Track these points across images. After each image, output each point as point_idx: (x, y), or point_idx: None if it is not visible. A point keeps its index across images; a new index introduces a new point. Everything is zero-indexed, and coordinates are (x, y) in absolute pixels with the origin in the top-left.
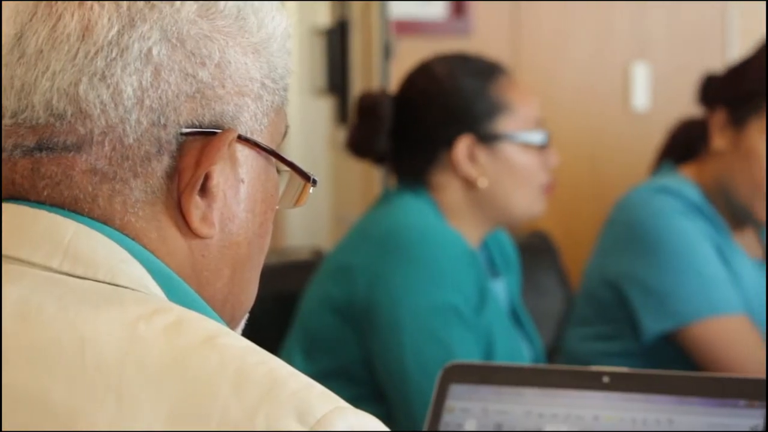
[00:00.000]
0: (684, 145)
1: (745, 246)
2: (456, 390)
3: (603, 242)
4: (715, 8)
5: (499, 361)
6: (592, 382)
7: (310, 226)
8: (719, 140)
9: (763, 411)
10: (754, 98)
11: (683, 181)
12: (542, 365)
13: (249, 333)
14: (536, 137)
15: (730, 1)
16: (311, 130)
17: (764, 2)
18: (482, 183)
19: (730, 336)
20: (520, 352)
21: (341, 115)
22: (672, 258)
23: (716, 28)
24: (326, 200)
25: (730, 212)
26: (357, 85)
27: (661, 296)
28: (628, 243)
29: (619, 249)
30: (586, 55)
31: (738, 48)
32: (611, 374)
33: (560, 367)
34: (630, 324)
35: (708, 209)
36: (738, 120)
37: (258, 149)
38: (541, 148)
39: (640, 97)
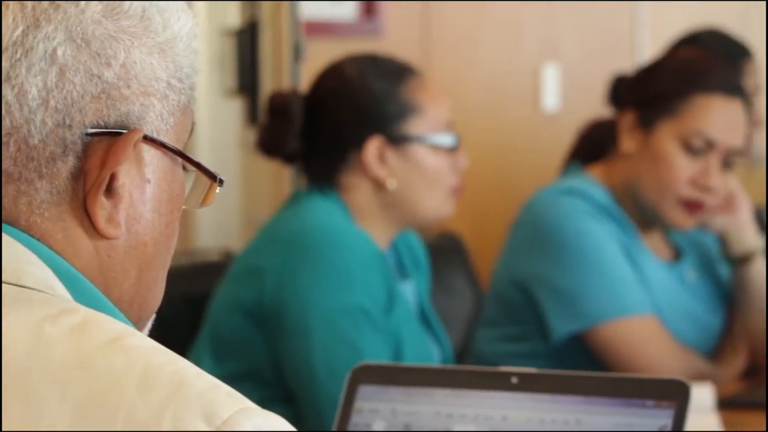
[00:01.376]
0: (592, 146)
1: (652, 247)
2: (365, 391)
3: (511, 244)
4: (625, 9)
5: (408, 362)
6: (500, 383)
7: (221, 227)
8: (628, 142)
9: (671, 411)
10: (663, 100)
11: (591, 182)
12: (451, 366)
13: (158, 334)
14: (446, 139)
15: (639, 2)
16: (221, 130)
17: (674, 2)
18: (391, 184)
19: (638, 336)
20: (429, 354)
21: (251, 115)
22: (579, 259)
23: (626, 29)
24: (236, 201)
25: (638, 214)
26: (267, 86)
27: (569, 298)
28: (535, 244)
29: (526, 250)
30: (496, 57)
31: (648, 49)
32: (520, 375)
33: (469, 367)
34: (538, 325)
35: (616, 210)
36: (647, 122)
37: (164, 149)
38: (451, 150)
39: (550, 98)
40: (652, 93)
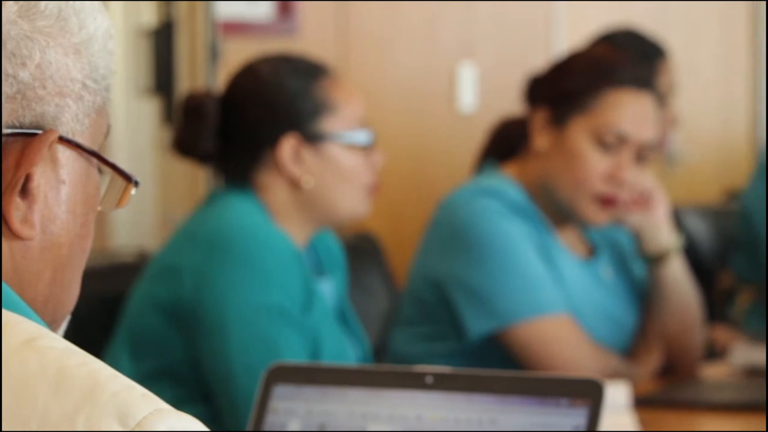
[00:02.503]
0: (505, 144)
1: (568, 245)
2: (280, 391)
3: (426, 243)
4: (541, 9)
5: (325, 362)
6: (415, 382)
7: (136, 227)
8: (541, 139)
9: (586, 410)
10: (575, 97)
11: (505, 180)
12: (366, 365)
13: (74, 335)
14: (361, 137)
15: (555, 2)
16: (137, 130)
17: (590, 2)
18: (307, 183)
19: (553, 335)
20: (347, 353)
21: (167, 115)
22: (494, 259)
23: (542, 28)
24: (152, 201)
25: (553, 211)
26: (183, 86)
27: (484, 297)
28: (450, 244)
29: (441, 250)
30: (412, 56)
31: (565, 48)
32: (434, 374)
33: (384, 367)
34: (454, 325)
35: (530, 209)
36: (559, 119)
37: (79, 150)
38: (366, 148)
39: (467, 97)
40: (563, 89)
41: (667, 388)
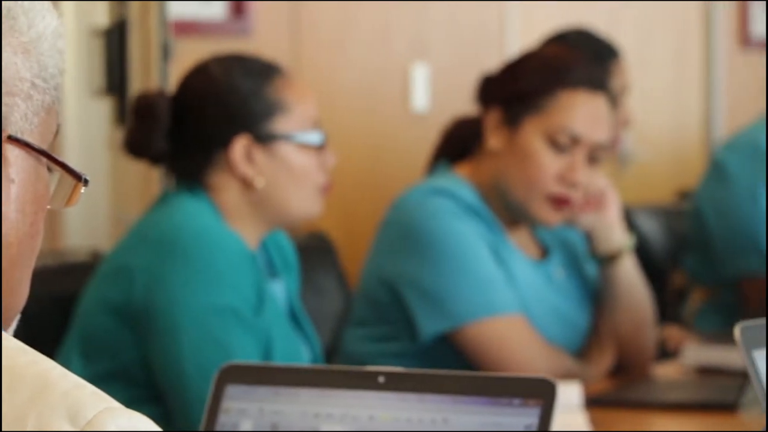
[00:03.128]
0: (458, 144)
1: (520, 245)
2: (232, 391)
3: (378, 243)
4: (494, 9)
5: (278, 362)
6: (367, 382)
7: (89, 227)
8: (494, 139)
9: (538, 410)
10: (528, 97)
11: (458, 181)
12: (319, 366)
13: (26, 335)
14: (313, 137)
15: (509, 2)
16: (89, 130)
17: (543, 2)
18: (259, 183)
19: (505, 336)
20: (299, 353)
21: (120, 115)
22: (446, 260)
23: (495, 28)
24: (104, 201)
25: (506, 211)
26: (136, 86)
27: (436, 298)
28: (403, 244)
29: (394, 250)
30: (365, 56)
31: (518, 48)
32: (387, 374)
33: (336, 367)
34: (406, 325)
35: (483, 209)
36: (512, 119)
37: (28, 149)
38: (319, 148)
39: (420, 97)
40: (516, 90)
41: (620, 388)
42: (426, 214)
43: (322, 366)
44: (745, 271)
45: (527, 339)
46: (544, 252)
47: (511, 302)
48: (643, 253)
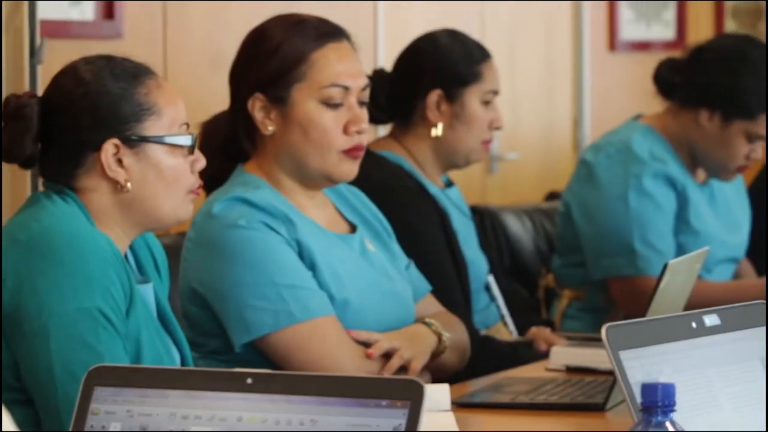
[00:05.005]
0: (232, 143)
1: (329, 224)
2: (100, 393)
3: (185, 254)
4: (366, 9)
5: (146, 364)
6: (235, 384)
7: None
8: (264, 124)
9: (406, 410)
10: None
11: (252, 181)
12: (187, 367)
13: None
14: (183, 140)
15: (381, 2)
16: None
17: (409, 2)
18: (129, 186)
19: (310, 340)
20: (170, 356)
21: None
22: (247, 270)
23: (369, 28)
24: None
25: (303, 189)
26: (5, 88)
27: (240, 308)
28: (206, 256)
29: (198, 262)
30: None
31: (388, 50)
32: (255, 375)
33: (204, 369)
34: (224, 338)
35: (276, 207)
36: (278, 99)
37: None
38: (189, 150)
39: None
40: (268, 73)
41: (488, 389)
42: (227, 224)
43: (190, 368)
44: (613, 272)
45: (331, 340)
46: (353, 228)
47: (314, 307)
48: (513, 254)
